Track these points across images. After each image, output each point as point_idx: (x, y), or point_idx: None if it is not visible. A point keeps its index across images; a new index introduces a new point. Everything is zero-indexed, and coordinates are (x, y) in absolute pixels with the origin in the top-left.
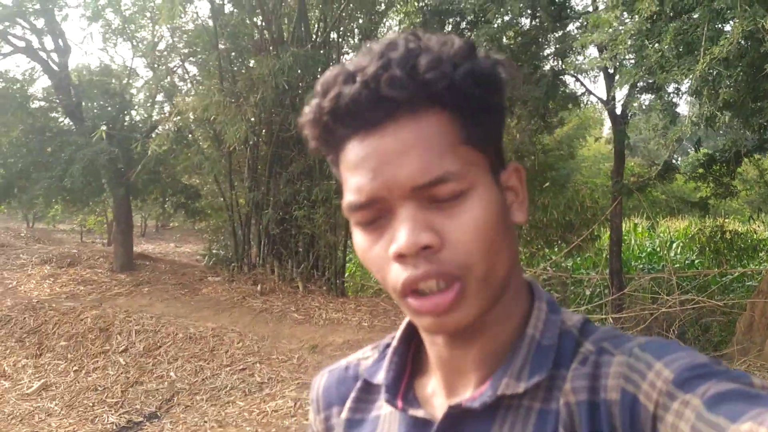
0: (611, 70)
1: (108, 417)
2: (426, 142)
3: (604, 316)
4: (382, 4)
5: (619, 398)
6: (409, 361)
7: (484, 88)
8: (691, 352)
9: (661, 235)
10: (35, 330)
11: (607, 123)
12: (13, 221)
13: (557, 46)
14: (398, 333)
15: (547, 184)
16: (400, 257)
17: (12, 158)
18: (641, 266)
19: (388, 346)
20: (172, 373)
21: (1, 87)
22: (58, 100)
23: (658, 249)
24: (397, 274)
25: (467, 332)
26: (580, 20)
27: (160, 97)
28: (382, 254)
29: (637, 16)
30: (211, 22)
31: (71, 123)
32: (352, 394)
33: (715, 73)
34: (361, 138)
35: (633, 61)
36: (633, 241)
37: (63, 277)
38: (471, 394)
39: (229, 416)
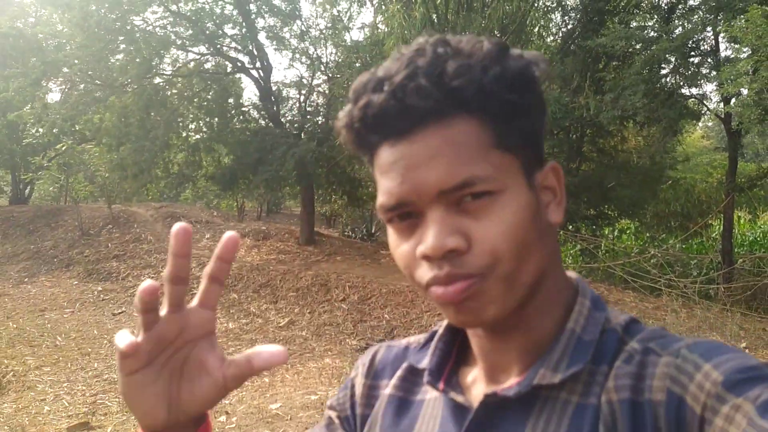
0: (733, 101)
1: (349, 341)
2: (453, 147)
3: (716, 286)
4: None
5: (665, 399)
6: (455, 350)
7: (515, 91)
8: (741, 354)
9: (762, 226)
10: (266, 284)
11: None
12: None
13: (687, 74)
14: (445, 321)
15: (669, 182)
16: (426, 258)
17: (240, 155)
18: (743, 252)
19: (435, 333)
20: (386, 315)
21: (213, 95)
22: (263, 109)
23: (759, 239)
24: (422, 273)
25: (503, 326)
26: (708, 59)
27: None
28: (411, 253)
29: (759, 78)
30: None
31: (273, 126)
32: (398, 373)
33: None
34: (391, 143)
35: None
36: (736, 232)
37: (263, 248)
38: (510, 383)
39: None
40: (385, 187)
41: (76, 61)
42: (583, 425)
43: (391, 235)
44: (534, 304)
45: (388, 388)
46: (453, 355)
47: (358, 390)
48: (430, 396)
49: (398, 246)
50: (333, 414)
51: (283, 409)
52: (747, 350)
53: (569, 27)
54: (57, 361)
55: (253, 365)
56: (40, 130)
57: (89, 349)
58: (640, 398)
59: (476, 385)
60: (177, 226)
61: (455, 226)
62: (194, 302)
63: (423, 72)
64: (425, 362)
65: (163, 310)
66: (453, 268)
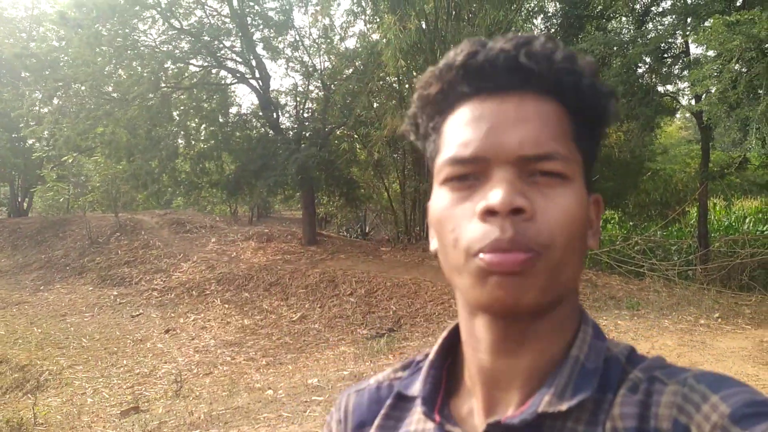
0: (703, 97)
1: (360, 331)
2: (544, 120)
3: (694, 267)
4: None
5: (671, 428)
6: (444, 377)
7: (600, 105)
8: (749, 389)
9: (736, 212)
10: (275, 283)
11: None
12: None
13: (662, 74)
14: (435, 347)
15: (649, 173)
16: (489, 213)
17: (244, 161)
18: (719, 236)
19: (419, 362)
20: (392, 306)
21: (215, 105)
22: (264, 117)
23: (734, 223)
24: (477, 233)
25: (519, 334)
26: (680, 62)
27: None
28: (466, 212)
29: (723, 79)
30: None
31: (274, 134)
32: (383, 411)
33: None
34: (482, 99)
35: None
36: (713, 217)
37: (269, 249)
38: (514, 410)
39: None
40: (463, 138)
41: (70, 73)
42: None
43: (443, 197)
44: (550, 321)
45: (372, 429)
46: (443, 382)
47: None
48: (416, 428)
49: (451, 207)
50: None
51: (321, 382)
52: (720, 320)
53: (552, 32)
54: (87, 360)
55: None
56: (37, 143)
57: (115, 349)
58: (647, 427)
59: (473, 417)
60: None
61: (523, 191)
62: None
63: (538, 44)
64: (416, 389)
65: None
66: (517, 234)
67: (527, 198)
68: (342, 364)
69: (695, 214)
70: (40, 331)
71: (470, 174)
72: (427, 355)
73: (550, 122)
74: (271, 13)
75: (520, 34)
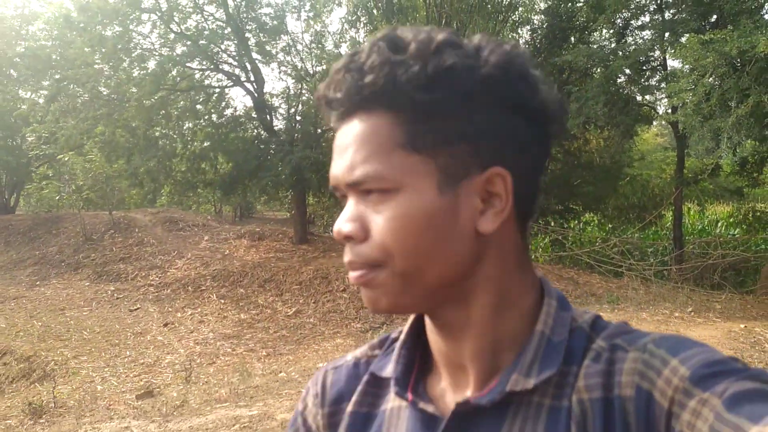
0: (679, 108)
1: (354, 325)
2: (360, 143)
3: (669, 267)
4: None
5: (634, 395)
6: (418, 356)
7: (429, 91)
8: (708, 348)
9: (709, 216)
10: (269, 279)
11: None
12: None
13: (641, 85)
14: (406, 327)
15: (627, 178)
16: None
17: (240, 162)
18: (693, 239)
19: (393, 341)
20: None
21: (211, 107)
22: (258, 119)
23: (707, 227)
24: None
25: (449, 324)
26: (658, 74)
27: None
28: None
29: (697, 92)
30: None
31: (268, 135)
32: (359, 387)
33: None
34: (338, 127)
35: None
36: (687, 221)
37: (261, 248)
38: (474, 389)
39: None
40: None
41: (70, 74)
42: (558, 428)
43: None
44: (468, 311)
45: (350, 405)
46: (416, 362)
47: (317, 422)
48: (392, 405)
49: None
50: None
51: None
52: (693, 314)
53: (537, 42)
54: (90, 351)
55: None
56: (33, 141)
57: (116, 341)
58: (611, 395)
59: (446, 394)
60: None
61: (359, 214)
62: None
63: (347, 66)
64: (389, 370)
65: None
66: (351, 257)
67: (359, 221)
68: (344, 352)
69: (671, 218)
70: (40, 324)
71: (344, 198)
72: (401, 333)
73: (368, 141)
74: (265, 19)
75: (375, 44)
